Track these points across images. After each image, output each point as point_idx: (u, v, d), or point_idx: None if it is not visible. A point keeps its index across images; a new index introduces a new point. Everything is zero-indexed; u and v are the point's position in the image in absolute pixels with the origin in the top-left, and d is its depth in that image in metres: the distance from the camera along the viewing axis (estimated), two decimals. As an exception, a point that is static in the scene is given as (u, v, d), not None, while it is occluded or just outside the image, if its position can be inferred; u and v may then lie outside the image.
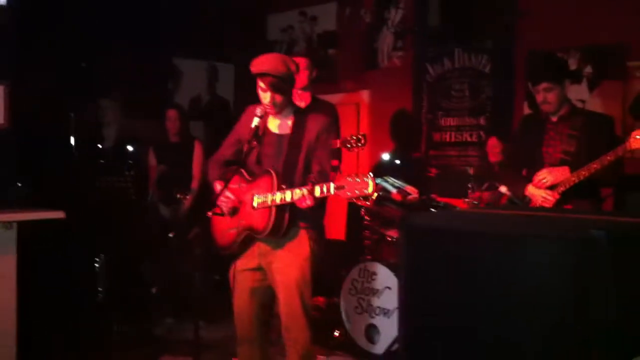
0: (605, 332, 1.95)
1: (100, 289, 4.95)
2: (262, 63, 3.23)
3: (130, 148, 5.66)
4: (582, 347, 1.99)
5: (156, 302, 5.41)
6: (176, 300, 5.49)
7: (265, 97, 3.27)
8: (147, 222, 5.39)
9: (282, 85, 3.23)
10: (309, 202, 3.03)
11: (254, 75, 3.27)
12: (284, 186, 3.14)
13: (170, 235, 4.74)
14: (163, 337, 5.11)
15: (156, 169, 5.44)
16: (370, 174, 2.84)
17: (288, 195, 3.09)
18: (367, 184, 2.82)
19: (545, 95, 3.81)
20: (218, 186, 3.37)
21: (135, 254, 5.57)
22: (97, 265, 4.95)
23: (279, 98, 3.26)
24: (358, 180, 2.84)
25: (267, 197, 3.19)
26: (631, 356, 1.75)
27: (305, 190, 3.02)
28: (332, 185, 2.93)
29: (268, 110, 3.29)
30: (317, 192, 2.99)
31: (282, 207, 3.17)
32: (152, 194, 5.30)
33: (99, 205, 5.04)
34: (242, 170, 3.36)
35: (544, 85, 3.81)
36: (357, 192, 2.83)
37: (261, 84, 3.26)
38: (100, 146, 5.67)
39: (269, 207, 3.17)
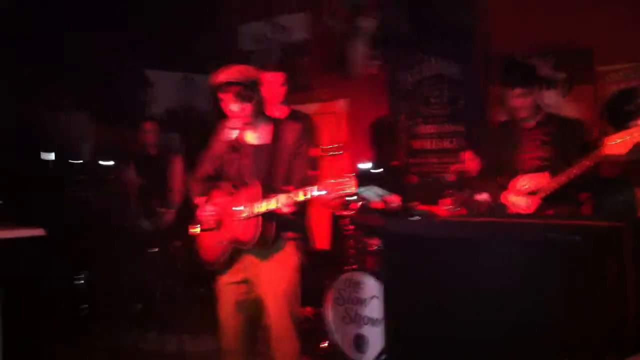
0: (579, 333, 2.00)
1: (83, 305, 4.90)
2: (222, 73, 3.27)
3: (109, 162, 5.60)
4: (558, 348, 2.04)
5: (140, 317, 5.37)
6: (160, 314, 5.46)
7: (234, 107, 3.28)
8: (129, 237, 5.35)
9: (246, 92, 3.25)
10: (289, 207, 3.09)
11: (218, 89, 3.28)
12: (269, 196, 3.16)
13: (154, 250, 4.70)
14: (148, 351, 5.08)
15: (136, 183, 5.40)
16: (352, 173, 2.87)
17: (272, 203, 3.13)
18: (348, 182, 2.85)
19: (520, 101, 3.86)
20: (201, 202, 3.39)
21: (118, 269, 5.53)
22: (79, 282, 4.90)
23: (246, 106, 3.28)
24: (340, 180, 2.87)
25: (252, 207, 3.21)
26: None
27: (288, 195, 3.06)
28: (315, 187, 2.97)
29: (238, 121, 3.30)
30: (301, 196, 3.03)
31: (268, 217, 3.20)
32: (133, 208, 5.26)
33: (79, 222, 5.00)
34: (224, 184, 3.38)
35: (518, 90, 3.86)
36: (340, 191, 2.86)
37: (226, 95, 3.28)
38: (80, 161, 5.62)
39: (255, 218, 3.20)
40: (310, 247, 3.60)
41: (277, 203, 3.11)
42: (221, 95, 3.29)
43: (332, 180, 2.89)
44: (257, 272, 3.39)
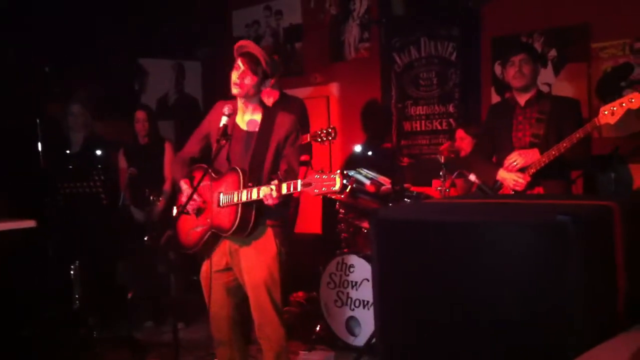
0: (570, 315, 1.98)
1: (76, 295, 4.89)
2: (251, 45, 3.33)
3: (98, 152, 5.56)
4: (547, 331, 2.02)
5: (134, 306, 5.36)
6: (154, 303, 5.46)
7: (235, 74, 3.28)
8: (120, 226, 5.32)
9: (258, 69, 3.28)
10: (274, 200, 3.06)
11: (236, 54, 3.32)
12: (250, 184, 3.14)
13: (145, 239, 4.68)
14: (143, 340, 5.08)
15: (127, 171, 5.37)
16: (339, 171, 2.85)
17: (254, 193, 3.11)
18: (335, 180, 2.82)
19: (521, 66, 3.81)
20: (184, 185, 3.35)
21: (109, 259, 5.51)
22: (72, 272, 4.89)
23: (251, 79, 3.27)
24: (325, 177, 2.84)
25: (233, 195, 3.19)
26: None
27: (272, 187, 3.04)
28: (299, 182, 2.94)
29: (234, 91, 3.29)
30: (284, 189, 3.01)
31: (248, 205, 3.17)
32: (123, 197, 5.23)
33: (70, 212, 4.97)
34: (210, 169, 3.34)
35: (521, 56, 3.82)
36: (324, 189, 2.84)
37: (240, 64, 3.28)
38: (68, 151, 5.57)
39: (236, 205, 3.17)
40: (291, 234, 3.56)
41: (258, 193, 3.09)
42: (238, 60, 3.30)
43: (318, 176, 2.86)
44: (237, 259, 3.37)
